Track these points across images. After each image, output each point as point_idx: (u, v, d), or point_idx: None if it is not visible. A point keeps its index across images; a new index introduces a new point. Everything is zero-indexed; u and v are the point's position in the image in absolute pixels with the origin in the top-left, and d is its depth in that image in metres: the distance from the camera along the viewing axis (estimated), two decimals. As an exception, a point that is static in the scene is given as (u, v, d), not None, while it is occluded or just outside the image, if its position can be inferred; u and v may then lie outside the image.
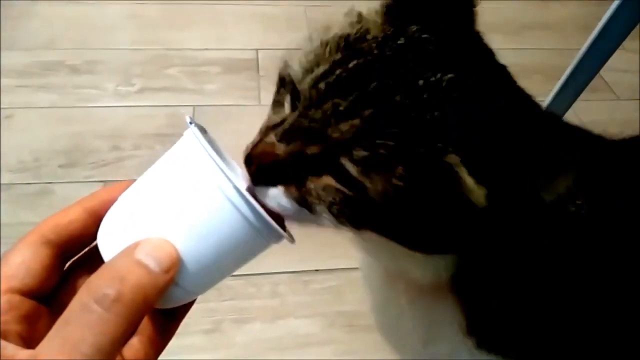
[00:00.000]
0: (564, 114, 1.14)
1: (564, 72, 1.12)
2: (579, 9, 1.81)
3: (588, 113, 1.39)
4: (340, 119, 0.38)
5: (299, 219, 0.42)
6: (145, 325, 0.39)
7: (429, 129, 0.37)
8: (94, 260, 0.36)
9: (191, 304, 0.41)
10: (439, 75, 0.38)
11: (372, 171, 0.38)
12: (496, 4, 1.83)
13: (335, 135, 0.38)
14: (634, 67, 1.59)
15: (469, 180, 0.37)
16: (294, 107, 0.42)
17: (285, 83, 0.45)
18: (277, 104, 0.45)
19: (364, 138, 0.37)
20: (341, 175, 0.39)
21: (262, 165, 0.41)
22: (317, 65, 0.41)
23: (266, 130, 0.43)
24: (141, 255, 0.33)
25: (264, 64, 1.53)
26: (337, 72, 0.39)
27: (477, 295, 0.50)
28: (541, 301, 0.49)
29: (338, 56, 0.40)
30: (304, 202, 0.41)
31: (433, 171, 0.38)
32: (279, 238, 0.38)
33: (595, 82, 1.19)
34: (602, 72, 1.37)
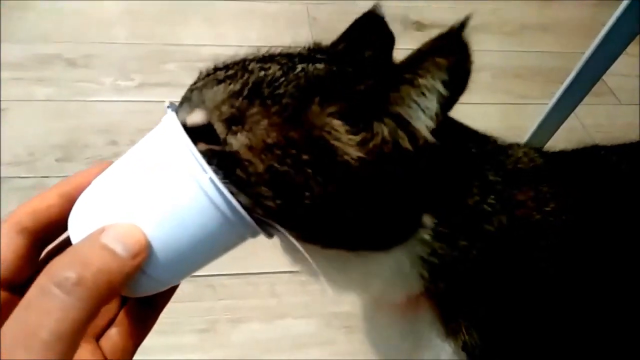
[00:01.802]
0: (566, 117, 1.13)
1: (564, 74, 1.12)
2: (578, 12, 1.81)
3: (590, 117, 1.38)
4: (217, 84, 0.40)
5: None
6: (124, 316, 0.39)
7: (296, 89, 0.39)
8: None
9: (170, 293, 0.40)
10: (316, 63, 0.42)
11: (235, 125, 0.38)
12: (496, 5, 1.83)
13: (209, 98, 0.39)
14: (636, 71, 1.59)
15: (337, 124, 0.38)
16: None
17: None
18: None
19: (234, 99, 0.39)
20: (214, 141, 0.39)
21: None
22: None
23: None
24: (107, 239, 0.32)
25: (263, 62, 1.52)
26: (228, 62, 0.44)
27: (449, 299, 0.49)
28: (512, 303, 0.49)
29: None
30: None
31: (297, 123, 0.38)
32: (254, 232, 0.37)
33: (597, 86, 1.18)
34: (604, 76, 1.37)
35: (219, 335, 0.98)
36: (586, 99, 1.12)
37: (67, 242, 0.36)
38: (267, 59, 0.43)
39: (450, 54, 0.35)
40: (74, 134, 1.28)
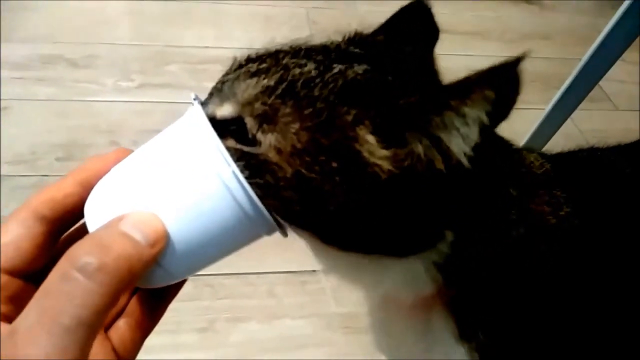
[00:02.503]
0: (562, 122, 1.15)
1: (562, 80, 1.13)
2: (577, 20, 1.83)
3: (587, 123, 1.40)
4: (250, 78, 0.39)
5: None
6: (132, 307, 0.39)
7: (332, 94, 0.38)
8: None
9: (179, 286, 0.40)
10: (354, 64, 0.40)
11: (266, 124, 0.37)
12: (496, 14, 1.84)
13: (241, 92, 0.39)
14: (632, 78, 1.60)
15: (370, 138, 0.38)
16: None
17: None
18: None
19: (267, 96, 0.38)
20: (243, 136, 0.38)
21: None
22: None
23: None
24: (126, 226, 0.31)
25: (264, 64, 1.53)
26: (260, 51, 0.43)
27: (462, 301, 0.49)
28: (526, 308, 0.49)
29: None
30: None
31: (331, 131, 0.37)
32: (271, 230, 0.37)
33: (594, 92, 1.19)
34: (601, 82, 1.38)
35: (217, 335, 0.98)
36: (583, 105, 1.13)
37: (83, 230, 0.36)
38: (303, 54, 0.42)
39: (500, 87, 0.35)
40: (75, 133, 1.29)
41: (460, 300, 0.49)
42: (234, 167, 0.34)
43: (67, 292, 0.28)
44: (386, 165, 0.37)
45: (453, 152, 0.37)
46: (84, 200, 0.36)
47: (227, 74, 0.42)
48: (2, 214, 1.09)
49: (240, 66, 0.42)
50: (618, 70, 1.59)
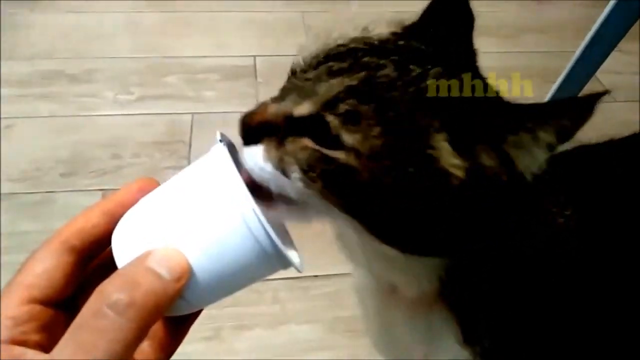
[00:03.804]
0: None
1: (559, 74, 1.13)
2: (573, 12, 1.82)
3: (585, 115, 1.39)
4: (331, 77, 0.40)
5: (276, 191, 0.42)
6: (156, 329, 0.39)
7: (413, 100, 0.39)
8: (114, 264, 0.36)
9: (200, 310, 0.41)
10: (428, 67, 0.41)
11: (350, 124, 0.38)
12: (492, 8, 1.84)
13: (324, 91, 0.39)
14: (630, 69, 1.60)
15: (446, 147, 0.39)
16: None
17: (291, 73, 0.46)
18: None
19: (351, 96, 0.39)
20: (321, 136, 0.39)
21: (250, 126, 0.42)
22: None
23: (263, 102, 0.44)
24: (153, 263, 0.33)
25: (262, 71, 1.55)
26: (338, 48, 0.42)
27: (467, 305, 0.50)
28: (532, 310, 0.50)
29: (341, 41, 0.43)
30: (281, 164, 0.41)
31: (411, 138, 0.39)
32: (287, 265, 0.38)
33: (591, 84, 1.19)
34: (598, 74, 1.37)
35: (223, 343, 0.99)
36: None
37: (109, 259, 0.37)
38: (380, 52, 0.42)
39: (577, 119, 0.37)
40: (77, 148, 1.30)
41: (467, 304, 0.50)
42: (253, 205, 0.35)
43: (100, 328, 0.30)
44: (459, 173, 0.39)
45: (520, 168, 0.39)
46: (111, 230, 0.37)
47: (303, 70, 0.43)
48: (8, 231, 1.10)
49: (319, 64, 0.42)
50: (615, 62, 1.58)
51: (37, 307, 0.34)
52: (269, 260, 0.36)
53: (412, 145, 0.39)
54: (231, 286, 0.38)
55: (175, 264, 0.33)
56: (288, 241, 0.43)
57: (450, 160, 0.39)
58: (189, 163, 1.26)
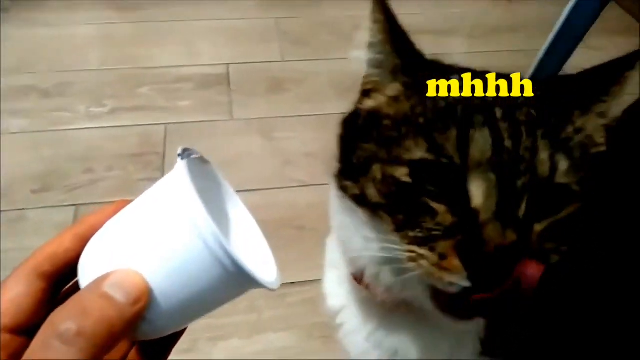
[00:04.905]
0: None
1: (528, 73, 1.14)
2: (541, 10, 1.83)
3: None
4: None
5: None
6: (135, 354, 0.39)
7: None
8: None
9: (180, 334, 0.40)
10: None
11: None
12: (462, 10, 1.86)
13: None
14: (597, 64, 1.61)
15: None
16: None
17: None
18: None
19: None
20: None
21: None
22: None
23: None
24: (107, 287, 0.32)
25: (235, 78, 1.54)
26: None
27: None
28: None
29: None
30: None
31: None
32: (259, 286, 0.37)
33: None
34: (566, 69, 1.39)
35: (200, 354, 0.98)
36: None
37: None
38: None
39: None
40: (50, 164, 1.29)
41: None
42: (213, 226, 0.33)
43: None
44: None
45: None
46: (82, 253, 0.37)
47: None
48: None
49: None
50: (583, 58, 1.60)
51: (7, 336, 0.33)
52: (235, 280, 0.35)
53: None
54: (199, 307, 0.36)
55: (131, 286, 0.33)
56: (262, 257, 0.42)
57: None
58: (162, 174, 1.24)
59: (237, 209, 0.44)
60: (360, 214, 0.48)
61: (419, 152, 0.42)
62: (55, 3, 1.76)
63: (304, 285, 1.05)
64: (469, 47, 1.69)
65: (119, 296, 0.32)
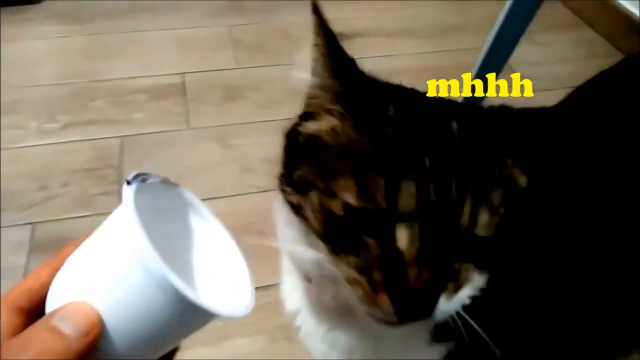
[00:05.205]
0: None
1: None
2: (493, 9, 1.87)
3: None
4: None
5: None
6: None
7: None
8: None
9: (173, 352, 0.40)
10: None
11: None
12: (416, 10, 1.89)
13: None
14: (544, 58, 1.67)
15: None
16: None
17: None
18: None
19: None
20: None
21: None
22: None
23: None
24: (56, 320, 0.32)
25: (191, 88, 1.53)
26: None
27: None
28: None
29: None
30: None
31: None
32: (217, 317, 0.36)
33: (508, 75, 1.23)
34: (514, 66, 1.43)
35: (166, 365, 0.97)
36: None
37: None
38: None
39: None
40: (4, 183, 1.26)
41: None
42: (157, 258, 0.33)
43: None
44: None
45: None
46: None
47: None
48: None
49: None
50: (531, 53, 1.65)
51: None
52: (190, 311, 0.34)
53: None
54: (158, 338, 0.36)
55: (81, 319, 0.33)
56: (236, 280, 0.41)
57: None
58: (119, 188, 1.24)
59: (212, 229, 0.43)
60: (299, 223, 0.48)
61: (349, 197, 0.43)
62: (5, 17, 1.72)
63: (266, 290, 1.03)
64: (424, 46, 1.72)
65: (66, 329, 0.32)
